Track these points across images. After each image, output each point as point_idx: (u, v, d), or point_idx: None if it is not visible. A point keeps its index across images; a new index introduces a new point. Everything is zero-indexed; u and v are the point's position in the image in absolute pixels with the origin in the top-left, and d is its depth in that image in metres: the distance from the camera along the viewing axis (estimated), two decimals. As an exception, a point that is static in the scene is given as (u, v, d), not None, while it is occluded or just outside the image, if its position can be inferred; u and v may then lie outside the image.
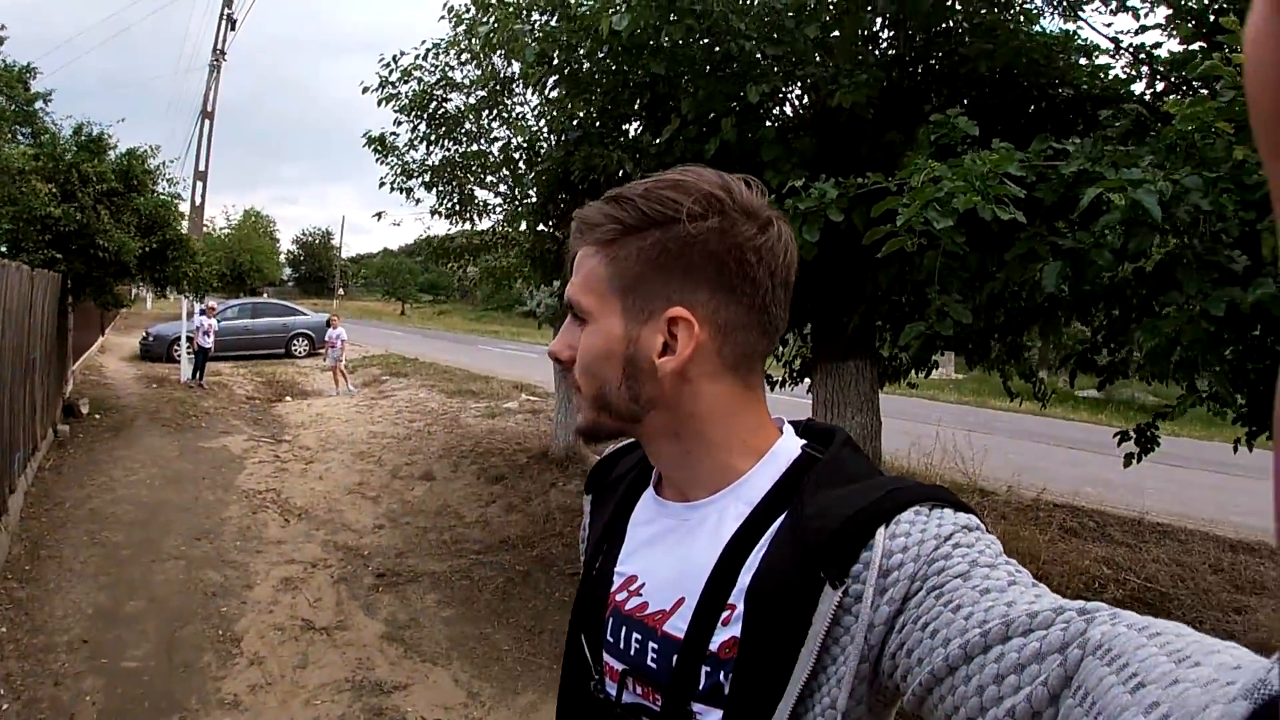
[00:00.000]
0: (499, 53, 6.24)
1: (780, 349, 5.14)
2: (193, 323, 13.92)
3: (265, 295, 29.18)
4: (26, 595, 4.83)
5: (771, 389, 5.73)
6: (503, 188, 7.83)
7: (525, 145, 6.83)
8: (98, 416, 10.61)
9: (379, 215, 11.02)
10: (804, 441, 0.87)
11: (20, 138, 9.47)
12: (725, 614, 0.75)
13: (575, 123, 5.17)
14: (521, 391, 13.74)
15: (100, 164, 9.48)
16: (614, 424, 0.84)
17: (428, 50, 7.50)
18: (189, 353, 14.28)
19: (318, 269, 54.73)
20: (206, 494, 7.44)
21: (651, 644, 0.81)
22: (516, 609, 5.10)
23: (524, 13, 5.50)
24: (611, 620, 0.87)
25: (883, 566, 0.68)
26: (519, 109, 7.36)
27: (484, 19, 6.03)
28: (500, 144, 7.45)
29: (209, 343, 13.95)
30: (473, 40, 6.68)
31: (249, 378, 15.41)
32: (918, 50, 4.59)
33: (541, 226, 6.32)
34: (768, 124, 4.40)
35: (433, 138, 7.73)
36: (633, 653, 0.83)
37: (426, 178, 7.98)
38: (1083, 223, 3.27)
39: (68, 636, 4.33)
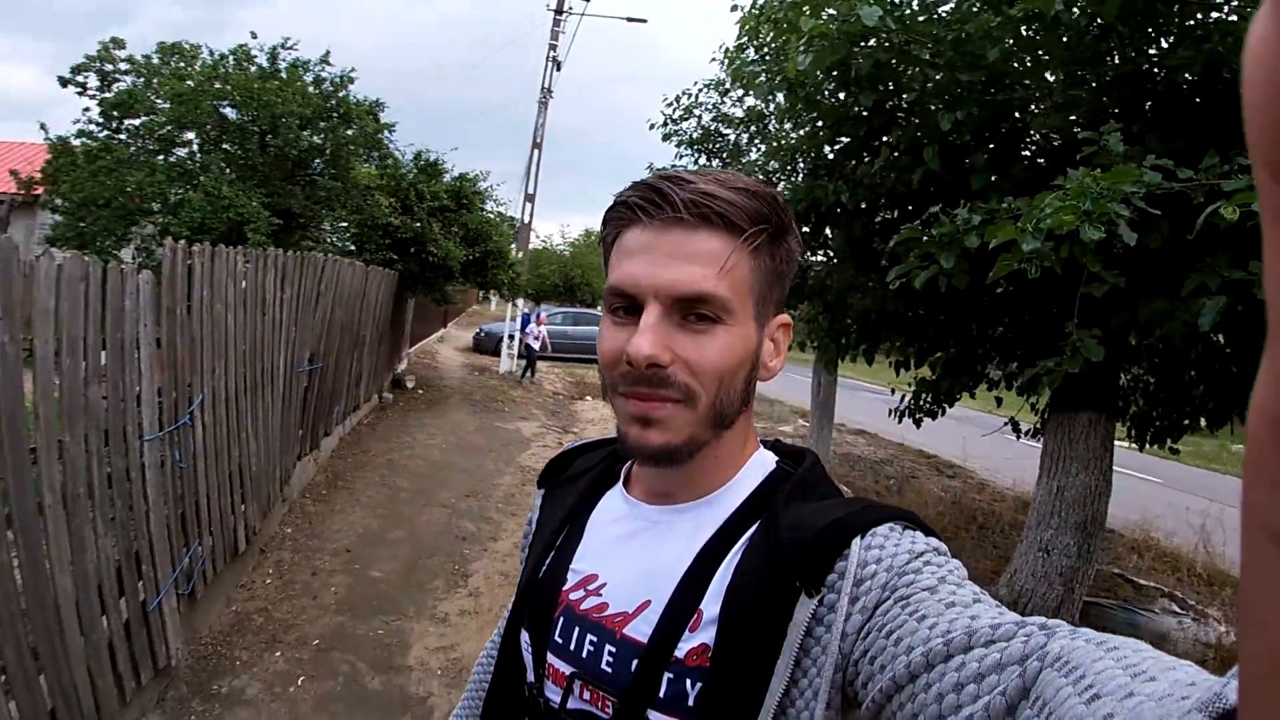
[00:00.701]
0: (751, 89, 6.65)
1: (1033, 396, 4.90)
2: (529, 329, 16.20)
3: (600, 308, 31.95)
4: (315, 511, 6.25)
5: (1018, 436, 5.52)
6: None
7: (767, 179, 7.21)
8: (420, 391, 12.75)
9: None
10: (776, 457, 0.88)
11: (369, 161, 11.66)
12: (693, 620, 0.74)
13: (810, 156, 5.39)
14: (799, 417, 14.10)
15: (435, 185, 11.51)
16: (710, 438, 0.78)
17: (700, 90, 8.03)
18: (509, 350, 16.61)
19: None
20: (488, 463, 8.67)
21: (609, 647, 0.78)
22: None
23: (764, 49, 5.86)
24: (562, 620, 0.83)
25: (857, 576, 0.68)
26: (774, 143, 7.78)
27: (738, 58, 6.41)
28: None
29: (536, 345, 16.14)
30: (731, 79, 7.15)
31: (561, 377, 17.18)
32: (1116, 65, 4.29)
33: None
34: (977, 152, 4.26)
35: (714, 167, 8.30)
36: (585, 655, 0.79)
37: None
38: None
39: (335, 545, 5.57)
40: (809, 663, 0.68)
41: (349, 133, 10.78)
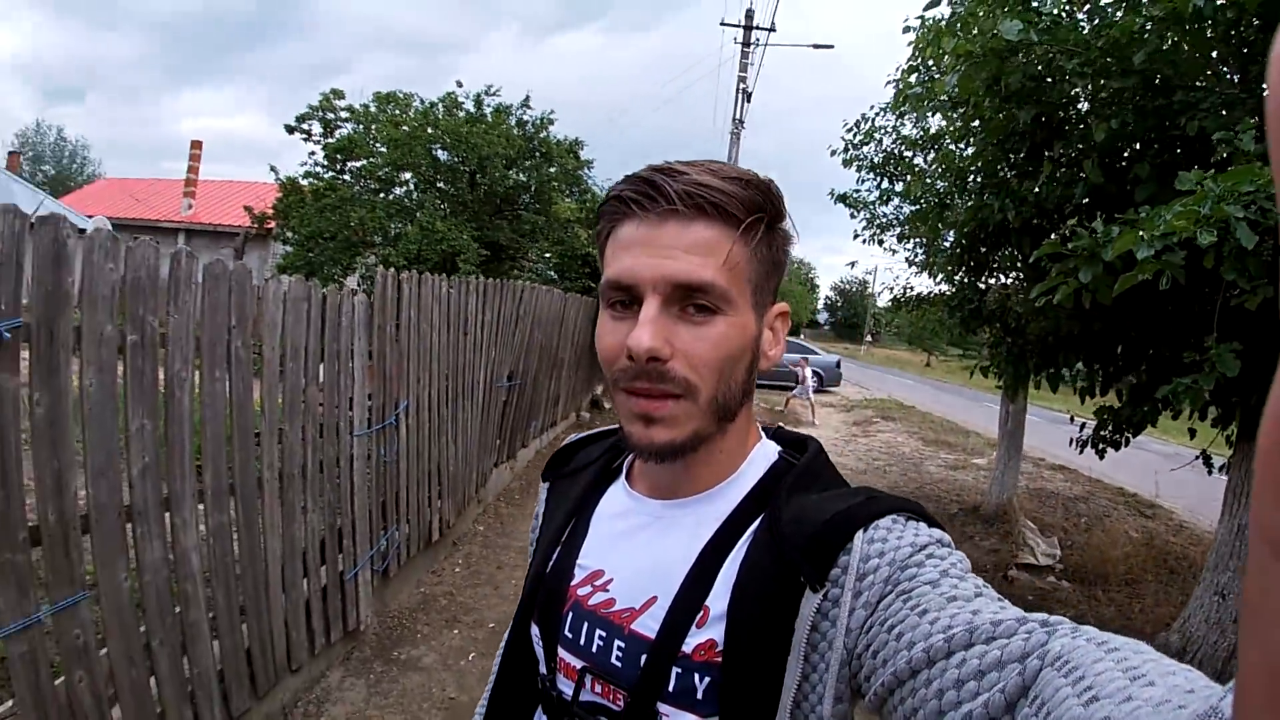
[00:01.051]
0: (915, 111, 6.62)
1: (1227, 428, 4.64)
2: (801, 373, 16.51)
3: (802, 337, 31.97)
4: (507, 513, 6.88)
5: (1209, 471, 5.20)
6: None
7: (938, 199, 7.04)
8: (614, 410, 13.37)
9: (852, 264, 11.96)
10: (779, 447, 0.88)
11: (570, 196, 12.47)
12: (700, 615, 0.74)
13: (979, 175, 5.33)
14: (995, 449, 13.51)
15: (631, 216, 12.10)
16: (714, 430, 0.78)
17: (877, 114, 8.00)
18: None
19: (853, 315, 56.98)
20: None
21: (618, 642, 0.79)
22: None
23: (930, 70, 5.83)
24: (571, 615, 0.84)
25: (859, 570, 0.68)
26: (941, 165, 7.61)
27: (906, 81, 6.34)
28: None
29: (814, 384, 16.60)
30: (898, 102, 7.11)
31: (757, 405, 17.37)
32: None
33: (958, 277, 6.33)
34: (1141, 162, 4.10)
35: (897, 191, 8.12)
36: (594, 650, 0.80)
37: (897, 231, 8.47)
38: None
39: (521, 544, 6.11)
40: (816, 657, 0.68)
41: (550, 170, 11.61)
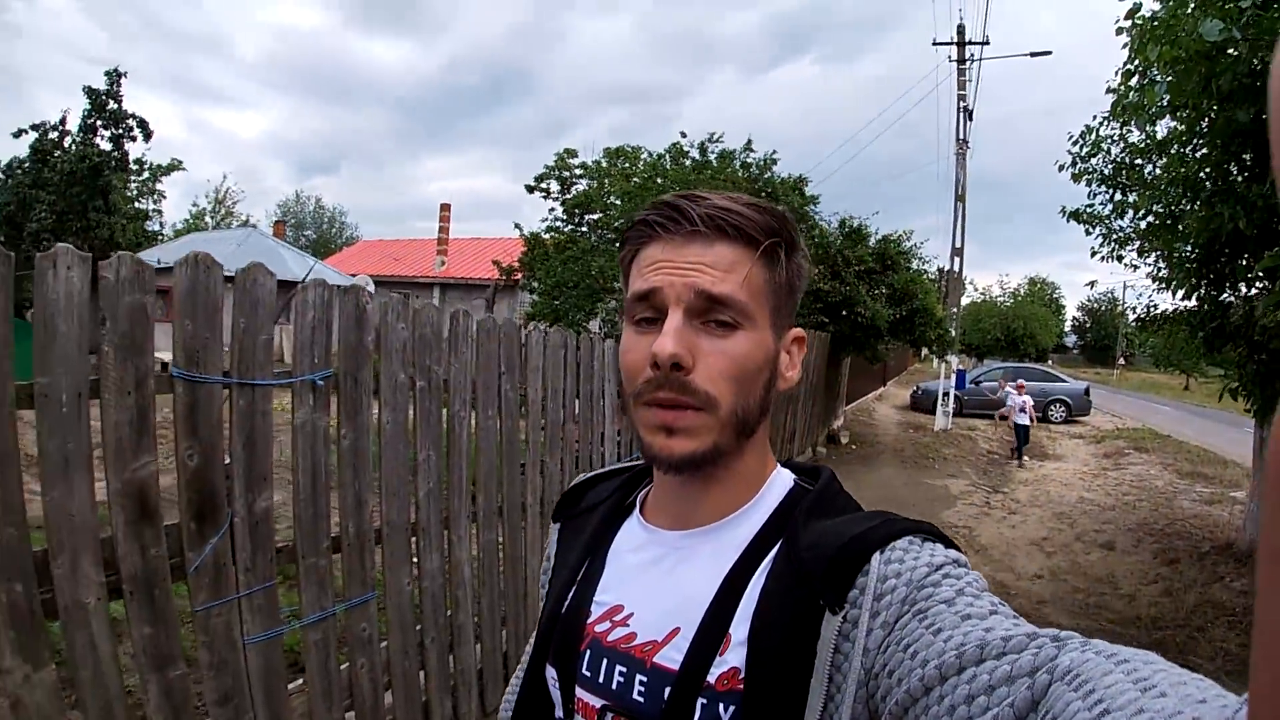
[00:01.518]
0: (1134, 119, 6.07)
1: None
2: (1009, 399, 14.21)
3: (1049, 363, 29.89)
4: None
5: None
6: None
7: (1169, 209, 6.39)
8: (854, 446, 13.29)
9: (1091, 284, 11.10)
10: (794, 475, 0.88)
11: (799, 233, 12.54)
12: (722, 644, 0.74)
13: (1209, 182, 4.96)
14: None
15: (860, 249, 12.08)
16: (733, 445, 0.79)
17: (1100, 123, 7.36)
18: (943, 408, 16.38)
19: (1103, 337, 51.90)
20: (911, 515, 8.84)
21: (640, 676, 0.79)
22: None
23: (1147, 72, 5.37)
24: (589, 653, 0.84)
25: (877, 590, 0.68)
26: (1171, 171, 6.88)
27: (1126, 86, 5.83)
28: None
29: (1025, 420, 13.63)
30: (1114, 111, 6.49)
31: (997, 436, 16.50)
32: None
33: (1198, 292, 5.81)
34: None
35: (1130, 203, 7.30)
36: (615, 686, 0.80)
37: (1135, 246, 7.74)
38: None
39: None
40: (839, 678, 0.68)
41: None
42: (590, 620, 0.85)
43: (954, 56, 17.62)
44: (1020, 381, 15.11)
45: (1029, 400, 13.84)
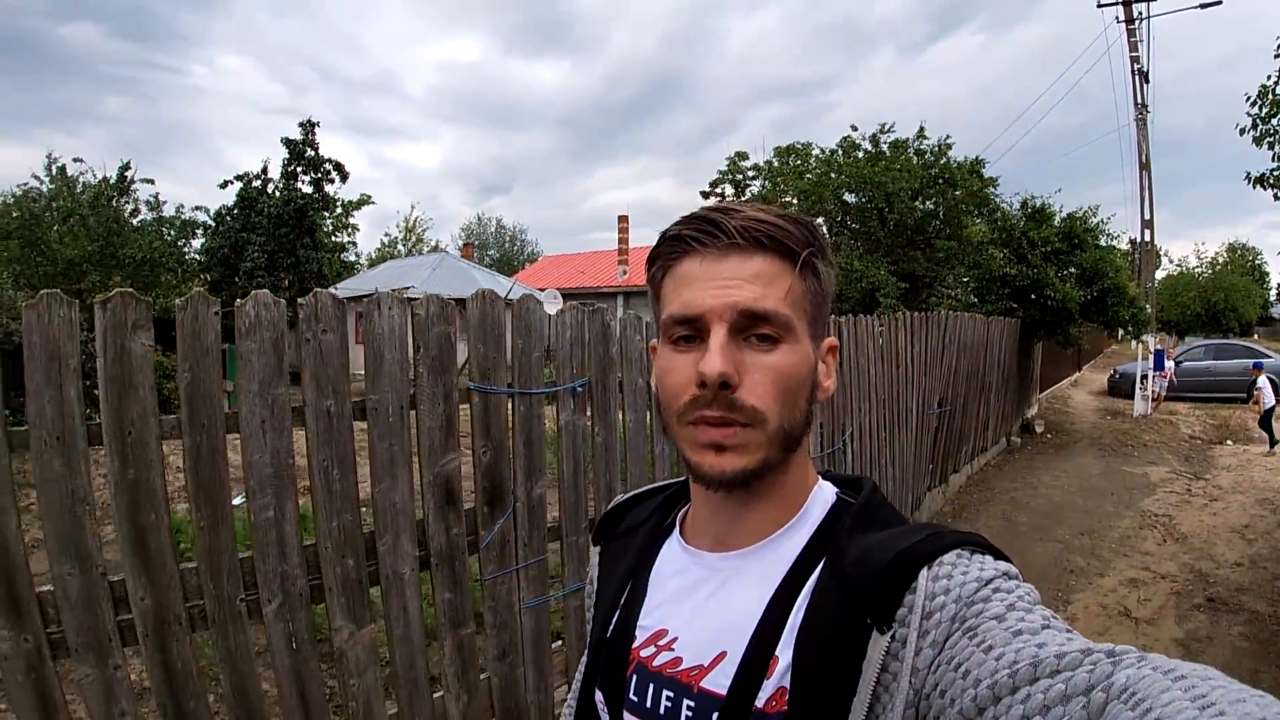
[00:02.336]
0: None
1: None
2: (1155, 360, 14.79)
3: (1255, 337, 27.42)
4: (941, 535, 7.17)
5: None
6: None
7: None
8: (1049, 435, 12.90)
9: None
10: (835, 488, 0.87)
11: (979, 217, 12.29)
12: (769, 667, 0.73)
13: None
14: None
15: (1045, 230, 11.75)
16: (779, 460, 0.77)
17: (1276, 82, 6.92)
18: (1142, 392, 15.49)
19: (1321, 306, 46.45)
20: (1108, 505, 8.64)
21: (687, 701, 0.78)
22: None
23: None
24: (635, 678, 0.83)
25: (925, 609, 0.67)
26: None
27: None
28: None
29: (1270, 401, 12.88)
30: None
31: (1200, 419, 15.50)
32: None
33: None
34: None
35: None
36: (662, 712, 0.80)
37: None
38: None
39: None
40: (886, 698, 0.67)
41: (956, 194, 11.65)
42: (635, 645, 0.85)
43: (1121, 17, 16.59)
44: (1171, 350, 15.08)
45: (1171, 367, 14.57)
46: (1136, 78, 16.31)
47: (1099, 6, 17.20)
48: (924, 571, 0.69)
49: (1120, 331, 14.02)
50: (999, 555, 0.73)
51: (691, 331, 0.76)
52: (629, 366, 3.40)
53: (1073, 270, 12.02)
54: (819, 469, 0.88)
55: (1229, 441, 13.25)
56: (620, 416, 3.43)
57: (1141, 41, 16.30)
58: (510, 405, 2.98)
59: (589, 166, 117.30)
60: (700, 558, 0.85)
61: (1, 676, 1.97)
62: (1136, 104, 16.25)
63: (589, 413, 3.28)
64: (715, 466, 0.74)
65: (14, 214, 16.44)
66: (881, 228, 11.89)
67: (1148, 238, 16.46)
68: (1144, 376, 15.58)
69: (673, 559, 0.89)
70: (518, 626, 3.03)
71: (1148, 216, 16.12)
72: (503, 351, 2.98)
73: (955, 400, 8.13)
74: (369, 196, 19.95)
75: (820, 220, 12.79)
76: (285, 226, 19.19)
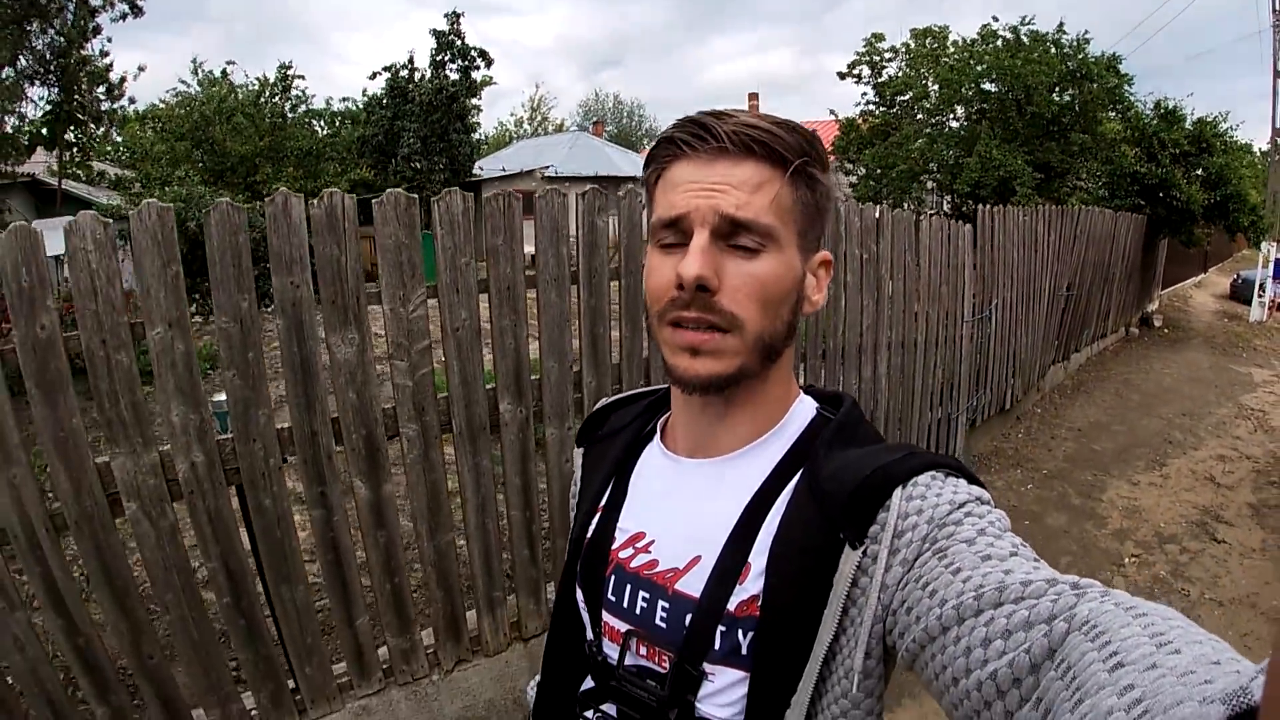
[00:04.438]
0: None
1: None
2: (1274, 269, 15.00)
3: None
4: (1060, 402, 8.38)
5: None
6: None
7: None
8: (1166, 330, 13.55)
9: None
10: (815, 403, 0.88)
11: (1114, 112, 12.43)
12: (742, 572, 0.75)
13: None
14: None
15: (1175, 132, 12.06)
16: (757, 368, 0.78)
17: None
18: (1260, 299, 15.69)
19: None
20: (1210, 394, 9.42)
21: (661, 603, 0.80)
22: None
23: None
24: (614, 578, 0.85)
25: (897, 527, 0.69)
26: None
27: None
28: None
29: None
30: None
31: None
32: None
33: None
34: None
35: None
36: (639, 611, 0.82)
37: None
38: None
39: (1070, 425, 7.56)
40: (854, 611, 0.70)
41: (1092, 88, 11.80)
42: (614, 547, 0.87)
43: None
44: None
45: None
46: None
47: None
48: (898, 490, 0.70)
49: (1251, 237, 14.23)
50: (973, 479, 0.74)
51: (678, 236, 0.76)
52: (850, 240, 4.33)
53: (1199, 173, 12.32)
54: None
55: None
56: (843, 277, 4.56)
57: None
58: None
59: (705, 36, 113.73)
60: (679, 463, 0.86)
61: (506, 438, 2.93)
62: (1274, 9, 15.97)
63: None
64: (690, 369, 0.75)
65: (184, 116, 17.51)
66: (1020, 118, 12.22)
67: (1275, 144, 16.19)
68: (1261, 285, 15.76)
69: (653, 463, 0.91)
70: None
71: (1278, 125, 15.83)
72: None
73: (1082, 287, 8.98)
74: (490, 78, 20.87)
75: (959, 108, 13.25)
76: (437, 113, 20.05)
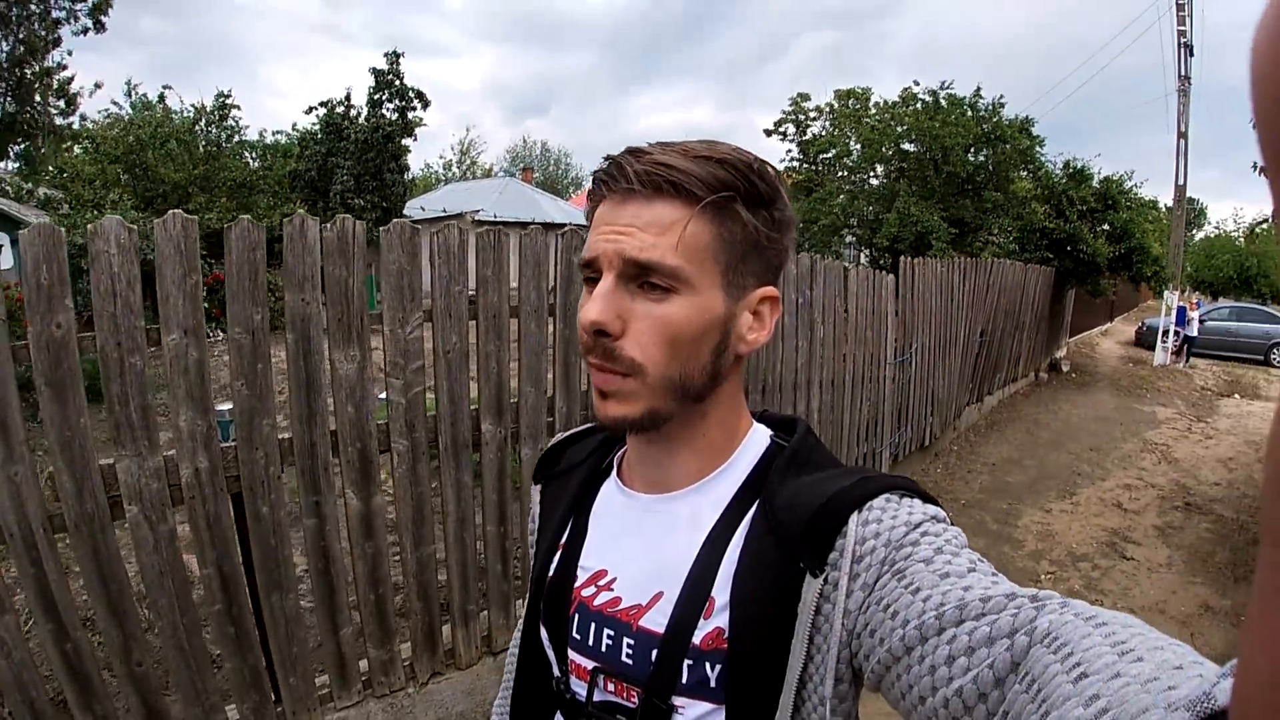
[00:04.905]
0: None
1: None
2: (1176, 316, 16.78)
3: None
4: (974, 440, 8.90)
5: None
6: None
7: None
8: (1073, 375, 14.47)
9: None
10: (770, 431, 0.88)
11: (1025, 171, 13.20)
12: (705, 607, 0.75)
13: None
14: None
15: (1083, 189, 13.09)
16: (676, 410, 0.77)
17: None
18: (1163, 344, 17.01)
19: None
20: (1116, 431, 10.17)
21: (626, 639, 0.80)
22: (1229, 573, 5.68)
23: None
24: (577, 616, 0.85)
25: (856, 552, 0.69)
26: None
27: None
28: None
29: (1194, 331, 17.65)
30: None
31: (1215, 375, 16.67)
32: None
33: None
34: None
35: None
36: (604, 649, 0.81)
37: None
38: None
39: (984, 460, 8.08)
40: (820, 639, 0.70)
41: (1006, 149, 12.74)
42: (576, 585, 0.86)
43: None
44: (1193, 301, 17.93)
45: (1195, 316, 17.60)
46: (1182, 50, 16.91)
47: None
48: (854, 516, 0.70)
49: (1154, 287, 15.46)
50: (928, 499, 0.75)
51: (594, 274, 0.76)
52: (789, 284, 4.87)
53: (1105, 228, 13.34)
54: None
55: (1236, 395, 14.43)
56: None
57: (1189, 16, 16.74)
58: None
59: (629, 88, 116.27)
60: (635, 499, 0.86)
61: (486, 456, 3.13)
62: (1180, 76, 16.92)
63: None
64: (601, 410, 0.77)
65: (117, 138, 17.30)
66: (936, 177, 12.99)
67: (1180, 200, 17.48)
68: (1165, 331, 17.01)
69: (611, 499, 0.90)
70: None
71: (1181, 182, 17.09)
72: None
73: (994, 334, 9.62)
74: (420, 119, 21.15)
75: (879, 167, 14.05)
76: (371, 151, 20.19)
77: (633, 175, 0.72)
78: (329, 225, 2.59)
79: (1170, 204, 18.25)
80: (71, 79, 11.05)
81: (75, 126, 15.49)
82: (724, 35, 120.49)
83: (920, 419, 7.15)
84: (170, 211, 2.28)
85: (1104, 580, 5.29)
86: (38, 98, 9.89)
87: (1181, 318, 16.92)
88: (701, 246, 0.73)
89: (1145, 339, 20.09)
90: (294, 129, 21.74)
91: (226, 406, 2.57)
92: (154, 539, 2.34)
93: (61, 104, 10.58)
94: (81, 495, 2.22)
